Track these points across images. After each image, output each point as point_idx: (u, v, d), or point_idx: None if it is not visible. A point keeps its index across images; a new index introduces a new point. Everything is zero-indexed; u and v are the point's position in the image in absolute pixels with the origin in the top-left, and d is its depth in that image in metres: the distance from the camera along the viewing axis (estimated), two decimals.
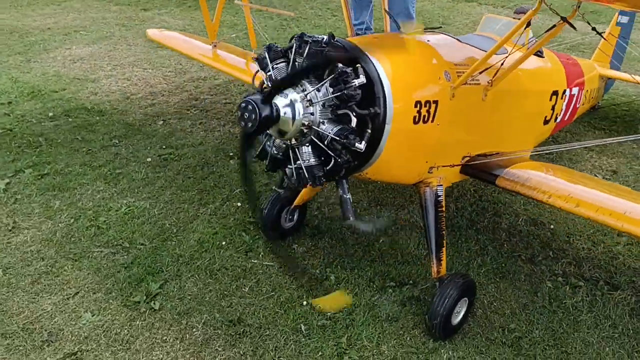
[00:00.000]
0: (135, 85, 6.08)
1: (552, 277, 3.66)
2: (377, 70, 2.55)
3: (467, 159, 3.23)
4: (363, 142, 2.48)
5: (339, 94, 2.38)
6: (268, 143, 2.65)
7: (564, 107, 4.39)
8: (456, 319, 3.12)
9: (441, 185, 3.13)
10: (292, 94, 2.43)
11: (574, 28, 2.80)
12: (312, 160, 2.53)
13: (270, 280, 3.57)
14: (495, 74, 3.18)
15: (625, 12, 5.61)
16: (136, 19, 8.04)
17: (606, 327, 3.30)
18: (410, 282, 3.58)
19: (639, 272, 3.71)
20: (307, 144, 2.51)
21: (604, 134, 5.51)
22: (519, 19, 2.97)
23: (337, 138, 2.44)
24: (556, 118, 4.32)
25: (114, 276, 3.56)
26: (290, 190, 3.35)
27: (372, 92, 2.51)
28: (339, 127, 2.44)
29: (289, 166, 2.65)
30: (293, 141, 2.55)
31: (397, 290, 3.52)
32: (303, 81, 2.44)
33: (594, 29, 3.09)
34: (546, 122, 4.19)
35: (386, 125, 2.57)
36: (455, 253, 3.72)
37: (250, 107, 2.34)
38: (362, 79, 2.44)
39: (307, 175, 2.54)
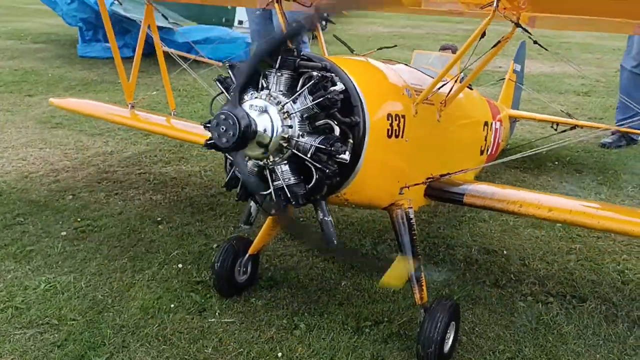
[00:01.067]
0: (33, 165, 5.55)
1: (522, 297, 3.63)
2: (350, 80, 2.51)
3: (430, 180, 3.18)
4: (347, 153, 2.38)
5: (320, 99, 2.27)
6: (237, 170, 2.49)
7: (492, 140, 4.54)
8: (447, 346, 2.94)
9: (411, 207, 3.04)
10: (261, 102, 2.30)
11: (529, 32, 2.89)
12: (292, 179, 2.38)
13: (234, 337, 3.20)
14: (449, 93, 3.21)
15: (518, 61, 6.10)
16: (22, 104, 7.58)
17: (589, 335, 3.28)
18: (386, 319, 3.36)
19: (598, 282, 3.80)
20: (285, 162, 2.36)
21: (519, 172, 5.74)
22: (447, 54, 3.05)
23: (323, 147, 2.31)
24: (488, 150, 4.44)
25: (46, 356, 2.99)
26: (252, 225, 3.02)
27: (349, 101, 2.43)
28: (322, 137, 2.32)
29: (265, 190, 2.46)
30: (270, 160, 2.41)
31: (375, 329, 3.28)
32: (276, 94, 2.30)
33: (536, 42, 3.23)
34: (481, 152, 4.30)
35: (365, 136, 2.49)
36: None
37: (223, 116, 2.16)
38: (341, 85, 2.39)
39: (288, 195, 2.38)
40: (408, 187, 2.96)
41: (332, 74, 2.37)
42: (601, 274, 3.89)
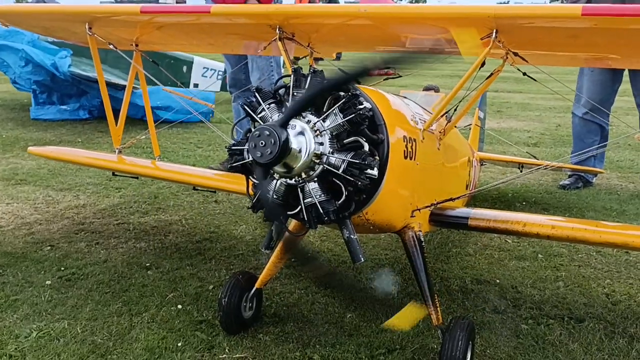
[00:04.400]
0: (2, 219, 5.31)
1: (523, 320, 3.70)
2: (371, 100, 2.59)
3: (435, 205, 3.26)
4: (375, 169, 2.42)
5: (352, 116, 2.34)
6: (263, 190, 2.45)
7: (472, 176, 4.67)
8: None
9: (421, 230, 3.09)
10: (300, 123, 2.35)
11: (526, 60, 3.10)
12: (323, 196, 2.40)
13: None
14: (447, 123, 3.37)
15: (482, 109, 6.44)
16: None
17: (594, 351, 3.37)
18: (398, 347, 3.36)
19: (590, 304, 3.92)
20: (315, 180, 2.38)
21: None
22: (431, 93, 3.35)
23: (356, 161, 2.38)
24: (468, 186, 4.54)
25: None
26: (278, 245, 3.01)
27: (374, 120, 2.50)
28: (353, 153, 2.38)
29: (292, 210, 2.48)
30: (300, 178, 2.43)
31: (389, 356, 3.27)
32: (305, 113, 2.37)
33: (524, 73, 3.45)
34: (466, 187, 4.41)
35: (389, 154, 2.54)
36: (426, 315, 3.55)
37: (266, 132, 2.21)
38: (368, 104, 2.46)
39: (320, 212, 2.39)
40: (419, 210, 3.01)
41: (360, 93, 2.43)
42: (591, 297, 4.02)
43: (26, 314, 3.71)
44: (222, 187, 3.94)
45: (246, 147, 2.33)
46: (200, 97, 6.37)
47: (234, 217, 5.32)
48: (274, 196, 2.38)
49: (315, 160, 2.32)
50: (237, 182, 3.51)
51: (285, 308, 3.79)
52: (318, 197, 2.35)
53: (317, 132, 2.32)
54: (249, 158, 2.36)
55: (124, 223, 5.36)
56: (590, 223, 3.22)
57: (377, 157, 2.44)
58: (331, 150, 2.33)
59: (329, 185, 2.37)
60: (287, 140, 2.20)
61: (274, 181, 2.39)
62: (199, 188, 4.17)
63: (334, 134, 2.33)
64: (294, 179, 2.36)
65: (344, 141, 2.36)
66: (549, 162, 5.62)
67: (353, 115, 2.31)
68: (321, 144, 2.32)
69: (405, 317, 2.92)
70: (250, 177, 2.48)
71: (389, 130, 2.53)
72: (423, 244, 2.97)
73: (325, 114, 2.32)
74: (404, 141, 2.70)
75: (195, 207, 5.65)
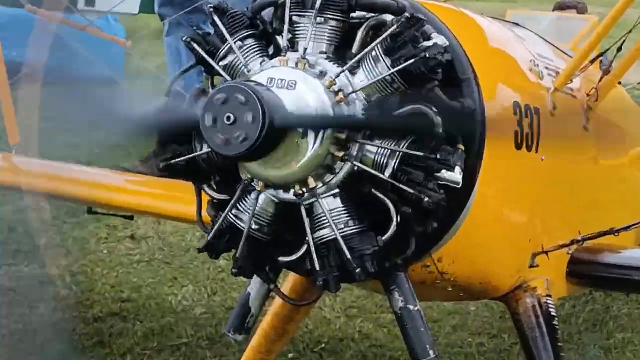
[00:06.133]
0: None
1: None
2: (449, 31, 1.76)
3: (578, 243, 2.32)
4: (458, 170, 1.59)
5: (408, 62, 1.52)
6: (234, 212, 1.69)
7: None
8: None
9: (549, 296, 2.26)
10: (303, 76, 1.57)
11: None
12: (351, 223, 1.62)
13: None
14: (601, 78, 2.40)
15: None
16: None
17: None
18: None
19: None
20: (337, 190, 1.62)
21: None
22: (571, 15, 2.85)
23: (419, 154, 1.55)
24: None
25: None
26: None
27: (453, 71, 1.68)
28: (410, 138, 1.58)
29: (294, 250, 1.68)
30: (308, 188, 1.63)
31: None
32: (316, 58, 1.60)
33: None
34: None
35: (484, 141, 1.71)
36: None
37: (239, 96, 1.41)
38: (442, 38, 1.61)
39: (347, 257, 1.59)
40: (546, 253, 2.22)
41: (424, 20, 1.64)
42: None
43: None
44: (145, 208, 3.16)
45: (203, 150, 1.65)
46: (102, 27, 4.93)
47: (169, 269, 4.19)
48: (253, 226, 1.68)
49: (337, 154, 1.60)
50: (177, 198, 2.83)
51: None
52: (342, 226, 1.65)
53: (340, 95, 1.60)
54: (201, 148, 1.62)
55: None
56: None
57: (460, 147, 1.65)
58: (368, 132, 1.68)
59: (363, 204, 1.69)
60: (280, 112, 1.49)
61: (253, 195, 1.69)
62: (98, 211, 3.41)
63: (373, 99, 1.65)
64: (292, 191, 1.64)
65: (397, 112, 1.64)
66: None
67: (412, 60, 1.56)
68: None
69: None
70: (206, 186, 1.75)
71: (484, 92, 1.76)
72: (555, 321, 2.25)
73: (356, 59, 1.59)
74: (516, 113, 1.96)
75: (91, 248, 4.39)
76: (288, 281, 2.17)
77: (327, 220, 1.63)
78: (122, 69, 6.69)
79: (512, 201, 2.08)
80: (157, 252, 4.36)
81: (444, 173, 1.59)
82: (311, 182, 1.60)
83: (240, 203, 1.64)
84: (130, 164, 4.80)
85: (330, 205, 1.65)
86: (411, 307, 1.76)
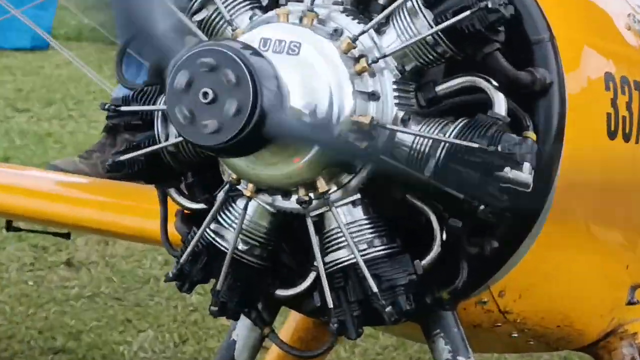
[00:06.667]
0: None
1: None
2: None
3: None
4: (530, 165, 1.32)
5: (464, 14, 1.31)
6: (213, 228, 1.47)
7: None
8: None
9: None
10: (310, 36, 1.37)
11: None
12: (377, 245, 1.42)
13: None
14: None
15: None
16: None
17: None
18: None
19: None
20: (357, 196, 1.42)
21: None
22: None
23: (473, 145, 1.32)
24: None
25: None
26: None
27: (519, 28, 1.46)
28: (464, 121, 1.35)
29: (297, 281, 1.48)
30: (318, 192, 1.39)
31: None
32: (328, 10, 1.40)
33: None
34: None
35: (563, 125, 1.47)
36: None
37: (222, 64, 1.20)
38: None
39: (373, 290, 1.38)
40: None
41: None
42: None
43: None
44: (87, 223, 2.67)
45: (160, 106, 1.41)
46: None
47: (120, 308, 3.63)
48: (241, 246, 1.45)
49: (357, 144, 1.43)
50: (132, 209, 2.56)
51: None
52: (365, 246, 1.45)
53: (363, 63, 1.39)
54: (166, 138, 1.43)
55: None
56: None
57: (530, 136, 1.39)
58: (403, 111, 1.42)
59: (394, 216, 1.48)
60: (276, 113, 1.27)
61: (241, 204, 1.46)
62: (20, 226, 3.02)
63: (407, 68, 1.42)
64: (295, 198, 1.41)
65: (439, 88, 1.44)
66: None
67: (464, 14, 1.33)
68: (374, 95, 1.41)
69: None
70: (174, 191, 1.52)
71: (563, 59, 1.51)
72: None
73: (386, 13, 1.37)
74: (609, 89, 1.66)
75: (12, 278, 3.88)
76: (289, 324, 2.01)
77: (344, 238, 1.42)
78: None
79: (603, 212, 1.78)
80: (103, 284, 3.83)
81: (508, 172, 1.33)
82: (321, 185, 1.38)
83: (223, 214, 1.43)
84: (64, 160, 3.95)
85: (349, 216, 1.46)
86: (464, 359, 1.63)
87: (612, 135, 1.60)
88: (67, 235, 3.06)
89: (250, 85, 1.15)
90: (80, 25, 7.90)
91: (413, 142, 1.34)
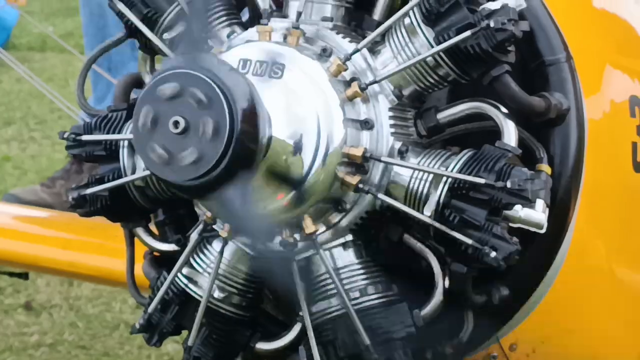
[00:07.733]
0: None
1: None
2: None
3: None
4: (541, 203, 1.28)
5: (468, 32, 1.26)
6: (186, 273, 1.45)
7: None
8: None
9: None
10: (294, 55, 1.37)
11: None
12: (371, 292, 1.41)
13: None
14: None
15: None
16: None
17: None
18: None
19: None
20: (348, 238, 1.40)
21: None
22: None
23: (480, 181, 1.27)
24: None
25: None
26: None
27: (532, 47, 1.44)
28: (469, 152, 1.30)
29: (279, 336, 1.48)
30: (295, 237, 1.39)
31: None
32: (323, 30, 1.41)
33: None
34: None
35: (582, 157, 1.44)
36: None
37: (197, 91, 1.13)
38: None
39: (367, 343, 1.35)
40: None
41: None
42: None
43: None
44: (49, 263, 2.65)
45: (127, 134, 1.41)
46: None
47: (86, 357, 3.50)
48: (217, 294, 1.44)
49: (349, 179, 1.36)
50: (97, 247, 2.60)
51: None
52: (357, 294, 1.43)
53: (355, 88, 1.37)
54: (133, 171, 1.41)
55: None
56: None
57: (544, 169, 1.39)
58: (400, 142, 1.41)
59: (390, 260, 1.46)
60: (253, 112, 1.19)
61: (217, 246, 1.44)
62: None
63: (405, 92, 1.38)
64: (278, 239, 1.40)
65: (440, 115, 1.42)
66: None
67: (468, 32, 1.29)
68: (368, 124, 1.39)
69: None
70: (141, 230, 1.53)
71: (582, 82, 1.49)
72: None
73: (380, 30, 1.36)
74: (634, 115, 1.66)
75: None
76: None
77: (333, 285, 1.41)
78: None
79: (629, 252, 1.70)
80: (67, 330, 3.58)
81: (519, 210, 1.30)
82: (308, 225, 1.36)
83: (197, 257, 1.41)
84: (24, 189, 3.80)
85: (339, 261, 1.44)
86: None
87: (638, 167, 1.55)
88: (24, 276, 3.01)
89: (222, 97, 1.07)
90: (44, 34, 7.33)
91: (411, 176, 1.30)
